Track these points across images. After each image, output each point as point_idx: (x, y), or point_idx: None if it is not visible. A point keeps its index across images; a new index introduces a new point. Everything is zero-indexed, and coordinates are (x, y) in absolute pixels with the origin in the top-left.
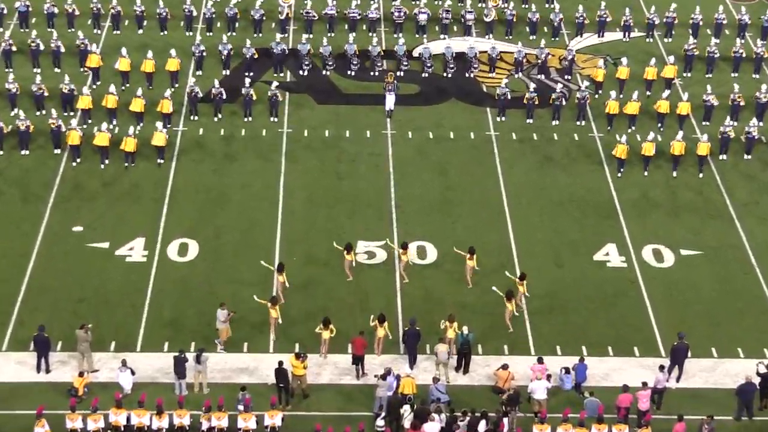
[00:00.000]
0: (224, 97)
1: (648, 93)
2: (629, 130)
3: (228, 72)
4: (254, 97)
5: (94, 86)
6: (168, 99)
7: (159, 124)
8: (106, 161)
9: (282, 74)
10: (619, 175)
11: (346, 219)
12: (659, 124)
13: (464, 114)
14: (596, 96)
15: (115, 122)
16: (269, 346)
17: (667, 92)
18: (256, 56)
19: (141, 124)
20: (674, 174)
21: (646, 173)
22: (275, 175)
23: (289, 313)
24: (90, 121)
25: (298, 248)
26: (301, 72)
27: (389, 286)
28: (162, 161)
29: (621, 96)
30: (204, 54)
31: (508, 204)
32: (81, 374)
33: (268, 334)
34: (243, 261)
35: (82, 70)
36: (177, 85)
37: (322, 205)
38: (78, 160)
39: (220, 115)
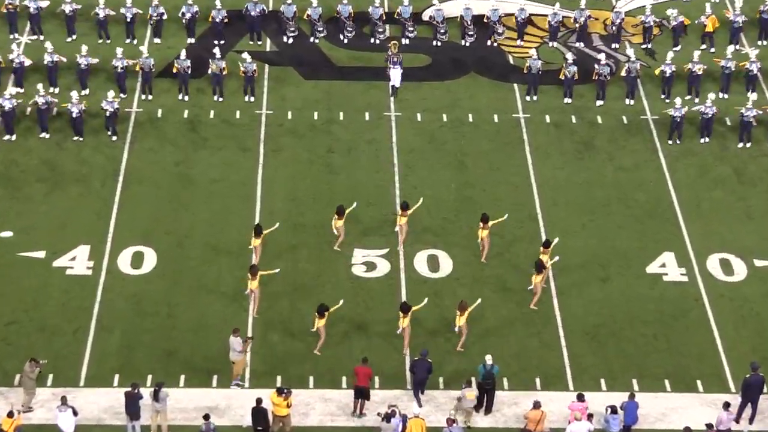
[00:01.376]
0: (189, 70)
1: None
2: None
3: (193, 40)
4: (225, 71)
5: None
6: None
7: (111, 93)
8: (45, 135)
9: (260, 42)
10: (670, 142)
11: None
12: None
13: (486, 92)
14: (649, 67)
15: (54, 89)
16: (244, 379)
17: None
18: (227, 21)
19: (85, 91)
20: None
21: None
22: (252, 168)
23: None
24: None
25: (281, 259)
26: (284, 40)
27: (393, 305)
28: (115, 137)
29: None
30: (163, 17)
31: (540, 205)
32: (10, 414)
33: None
34: (212, 274)
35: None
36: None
37: (310, 206)
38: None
39: (184, 95)
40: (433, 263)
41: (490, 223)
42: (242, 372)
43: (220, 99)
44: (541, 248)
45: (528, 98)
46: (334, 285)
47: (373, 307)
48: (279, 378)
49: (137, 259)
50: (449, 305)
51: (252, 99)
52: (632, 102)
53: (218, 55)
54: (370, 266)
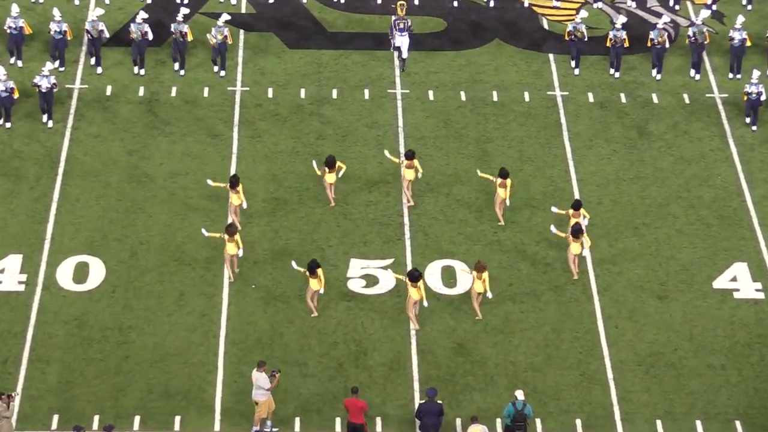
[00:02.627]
0: (148, 37)
1: None
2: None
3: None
4: (190, 38)
5: None
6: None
7: (47, 66)
8: None
9: (234, 2)
10: (754, 128)
11: (334, 226)
12: None
13: (515, 63)
14: (717, 33)
15: None
16: (214, 421)
17: None
18: None
19: (16, 59)
20: None
21: None
22: (223, 159)
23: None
24: None
25: (259, 272)
26: None
27: (398, 328)
28: (52, 122)
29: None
30: None
31: (583, 205)
32: None
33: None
34: (173, 291)
35: None
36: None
37: (296, 206)
38: None
39: (140, 69)
40: (449, 276)
41: (482, 175)
42: (267, 415)
43: (183, 72)
44: (571, 210)
45: (568, 71)
46: (324, 303)
47: (375, 332)
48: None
49: (81, 272)
50: (467, 327)
51: (223, 73)
52: (697, 77)
53: (180, 17)
54: (371, 281)
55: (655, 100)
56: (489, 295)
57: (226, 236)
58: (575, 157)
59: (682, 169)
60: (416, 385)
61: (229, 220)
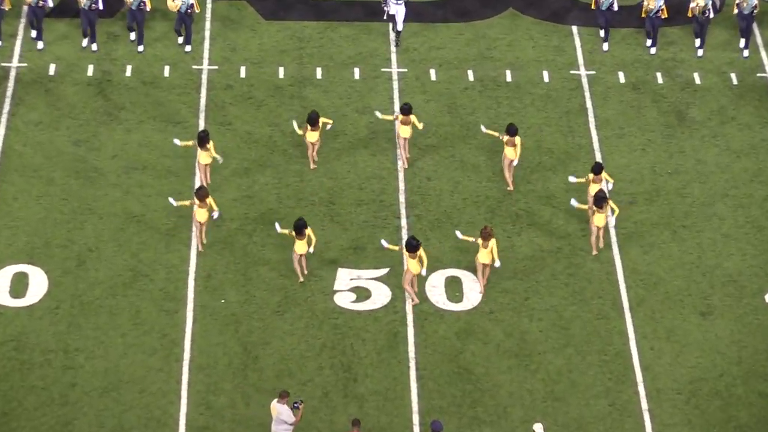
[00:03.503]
0: (100, 6)
1: None
2: None
3: None
4: (148, 7)
5: None
6: None
7: None
8: None
9: None
10: None
11: (318, 229)
12: None
13: (532, 37)
14: None
15: None
16: None
17: None
18: None
19: None
20: None
21: None
22: (187, 151)
23: None
24: None
25: (230, 286)
26: None
27: (394, 350)
28: None
29: None
30: None
31: (617, 225)
32: None
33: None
34: (127, 307)
35: None
36: None
37: (274, 205)
38: None
39: (90, 43)
40: (454, 289)
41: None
42: None
43: (141, 48)
44: (591, 175)
45: (596, 47)
46: (307, 321)
47: (366, 356)
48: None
49: (19, 285)
50: (476, 349)
51: (188, 48)
52: (746, 53)
53: None
54: (362, 294)
55: (698, 80)
56: (497, 264)
57: (196, 201)
58: (603, 148)
59: (729, 162)
60: (416, 418)
61: (198, 183)
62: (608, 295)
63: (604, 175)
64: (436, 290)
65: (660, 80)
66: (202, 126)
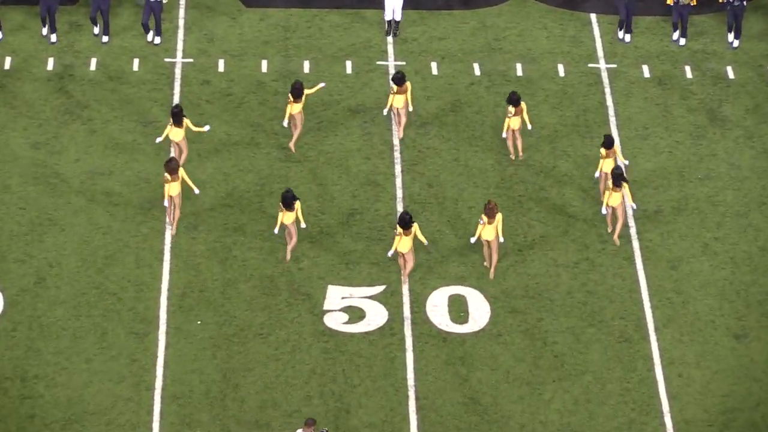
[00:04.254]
0: None
1: None
2: None
3: None
4: None
5: None
6: None
7: None
8: None
9: None
10: None
11: (306, 242)
12: None
13: (545, 26)
14: None
15: None
16: None
17: None
18: None
19: None
20: None
21: None
22: (159, 153)
23: None
24: None
25: (207, 306)
26: None
27: (390, 376)
28: None
29: None
30: None
31: (634, 213)
32: None
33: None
34: (92, 329)
35: None
36: None
37: (255, 214)
38: None
39: (50, 33)
40: (458, 308)
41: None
42: None
43: (106, 39)
44: (602, 150)
45: (615, 37)
46: (294, 344)
47: (360, 383)
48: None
49: None
50: (482, 376)
51: (158, 41)
52: None
53: None
54: (355, 314)
55: (731, 75)
56: (501, 239)
57: (167, 175)
58: (626, 150)
59: (766, 166)
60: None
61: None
62: (631, 316)
63: (616, 148)
64: (438, 310)
65: (689, 74)
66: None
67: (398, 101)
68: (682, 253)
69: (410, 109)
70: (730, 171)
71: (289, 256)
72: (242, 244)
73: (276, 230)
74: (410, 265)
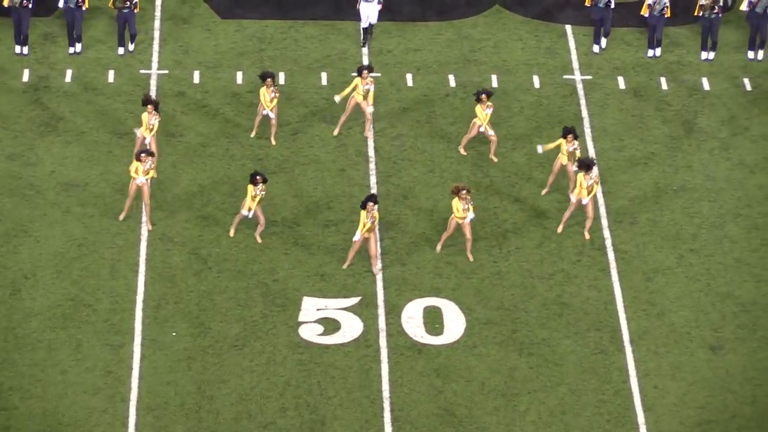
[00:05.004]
0: (31, 4)
1: None
2: None
3: None
4: (86, 5)
5: None
6: None
7: None
8: None
9: None
10: None
11: (281, 254)
12: None
13: (521, 38)
14: None
15: None
16: None
17: None
18: None
19: None
20: None
21: None
22: (129, 165)
23: None
24: None
25: (182, 317)
26: None
27: (366, 388)
28: None
29: None
30: None
31: (609, 224)
32: None
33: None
34: (66, 341)
35: None
36: None
37: (230, 225)
38: None
39: (23, 47)
40: (434, 320)
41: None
42: None
43: (78, 49)
44: (560, 140)
45: (592, 48)
46: (269, 356)
47: (335, 395)
48: None
49: None
50: (458, 388)
51: (131, 49)
52: (759, 55)
53: None
54: (330, 326)
55: (706, 86)
56: (471, 215)
57: (136, 166)
58: (601, 162)
59: (741, 178)
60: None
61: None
62: (606, 327)
63: (569, 138)
64: (413, 321)
65: (664, 86)
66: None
67: (364, 101)
68: (657, 265)
69: (371, 108)
70: (706, 182)
71: (259, 239)
72: (217, 255)
73: (248, 213)
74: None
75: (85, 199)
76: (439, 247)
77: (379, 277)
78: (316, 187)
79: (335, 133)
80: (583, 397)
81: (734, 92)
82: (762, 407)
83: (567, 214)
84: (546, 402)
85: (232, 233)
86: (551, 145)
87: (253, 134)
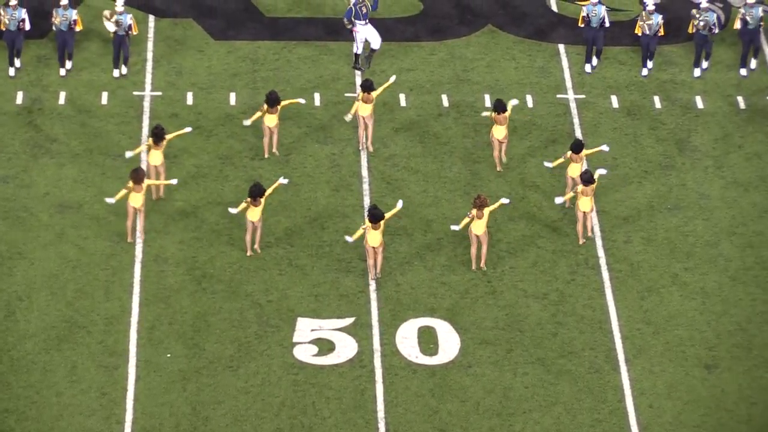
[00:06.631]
0: (25, 26)
1: None
2: None
3: None
4: (78, 26)
5: None
6: None
7: None
8: None
9: None
10: None
11: (275, 274)
12: None
13: (514, 57)
14: None
15: None
16: None
17: None
18: None
19: None
20: None
21: None
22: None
23: None
24: None
25: (177, 337)
26: None
27: (361, 409)
28: None
29: None
30: None
31: (603, 243)
32: None
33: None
34: (61, 363)
35: None
36: None
37: (224, 247)
38: None
39: (17, 64)
40: (428, 340)
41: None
42: None
43: (69, 68)
44: (569, 153)
45: (585, 67)
46: (264, 377)
47: (330, 415)
48: None
49: None
50: (453, 408)
51: (125, 72)
52: (752, 64)
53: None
54: (324, 347)
55: (700, 104)
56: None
57: (131, 183)
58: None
59: (735, 196)
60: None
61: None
62: (601, 347)
63: (585, 154)
64: (407, 342)
65: (657, 104)
66: (144, 159)
67: (364, 110)
68: (652, 284)
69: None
70: (700, 201)
71: (258, 251)
72: (211, 276)
73: (235, 210)
74: (380, 258)
75: (79, 221)
76: (482, 263)
77: (373, 297)
78: (310, 207)
79: (363, 148)
80: (578, 416)
81: (728, 110)
82: (758, 426)
83: (580, 227)
84: (541, 422)
85: (251, 252)
86: (559, 161)
87: (266, 154)
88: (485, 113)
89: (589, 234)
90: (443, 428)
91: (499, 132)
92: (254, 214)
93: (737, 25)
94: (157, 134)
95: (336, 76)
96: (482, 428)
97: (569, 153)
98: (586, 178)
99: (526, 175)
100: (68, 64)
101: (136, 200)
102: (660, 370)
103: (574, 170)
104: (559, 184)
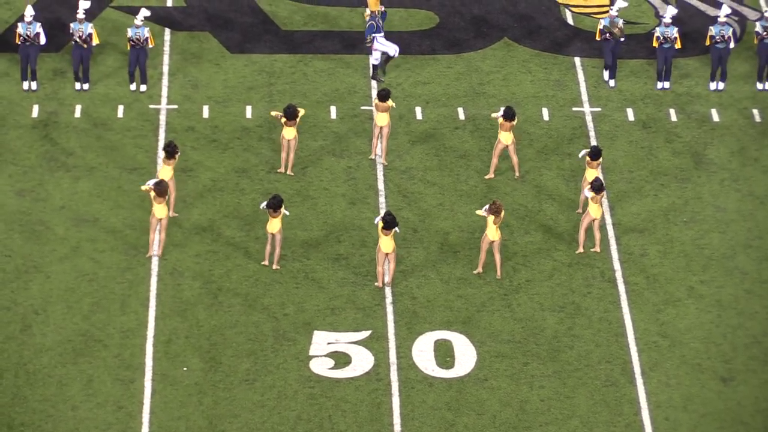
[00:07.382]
0: (42, 41)
1: None
2: None
3: None
4: (95, 41)
5: None
6: None
7: None
8: None
9: None
10: None
11: (291, 287)
12: None
13: (530, 70)
14: None
15: None
16: None
17: None
18: None
19: None
20: None
21: None
22: (144, 200)
23: None
24: None
25: (192, 350)
26: None
27: (377, 422)
28: None
29: None
30: None
31: (619, 256)
32: None
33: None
34: (77, 376)
35: None
36: None
37: (241, 260)
38: None
39: (31, 82)
40: (444, 353)
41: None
42: None
43: (86, 86)
44: (588, 158)
45: (603, 81)
46: (280, 390)
47: (346, 430)
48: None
49: None
50: (470, 421)
51: (144, 87)
52: None
53: (81, 14)
54: (341, 360)
55: (716, 117)
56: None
57: (153, 194)
58: (611, 194)
59: (751, 209)
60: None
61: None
62: (617, 359)
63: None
64: (424, 355)
65: (673, 117)
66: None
67: (381, 119)
68: (668, 297)
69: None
70: (716, 214)
71: (276, 266)
72: (227, 289)
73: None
74: (392, 265)
75: (95, 235)
76: (498, 273)
77: (389, 310)
78: (326, 221)
79: (379, 160)
80: (594, 429)
81: (744, 123)
82: None
83: (592, 235)
84: None
85: (267, 263)
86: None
87: (282, 169)
88: (495, 114)
89: (597, 249)
90: None
91: (506, 138)
92: (273, 225)
93: (754, 38)
94: (169, 151)
95: (352, 89)
96: None
97: (587, 157)
98: (597, 186)
99: (542, 188)
100: (86, 86)
101: (161, 212)
102: (676, 383)
103: (591, 176)
104: (576, 198)
